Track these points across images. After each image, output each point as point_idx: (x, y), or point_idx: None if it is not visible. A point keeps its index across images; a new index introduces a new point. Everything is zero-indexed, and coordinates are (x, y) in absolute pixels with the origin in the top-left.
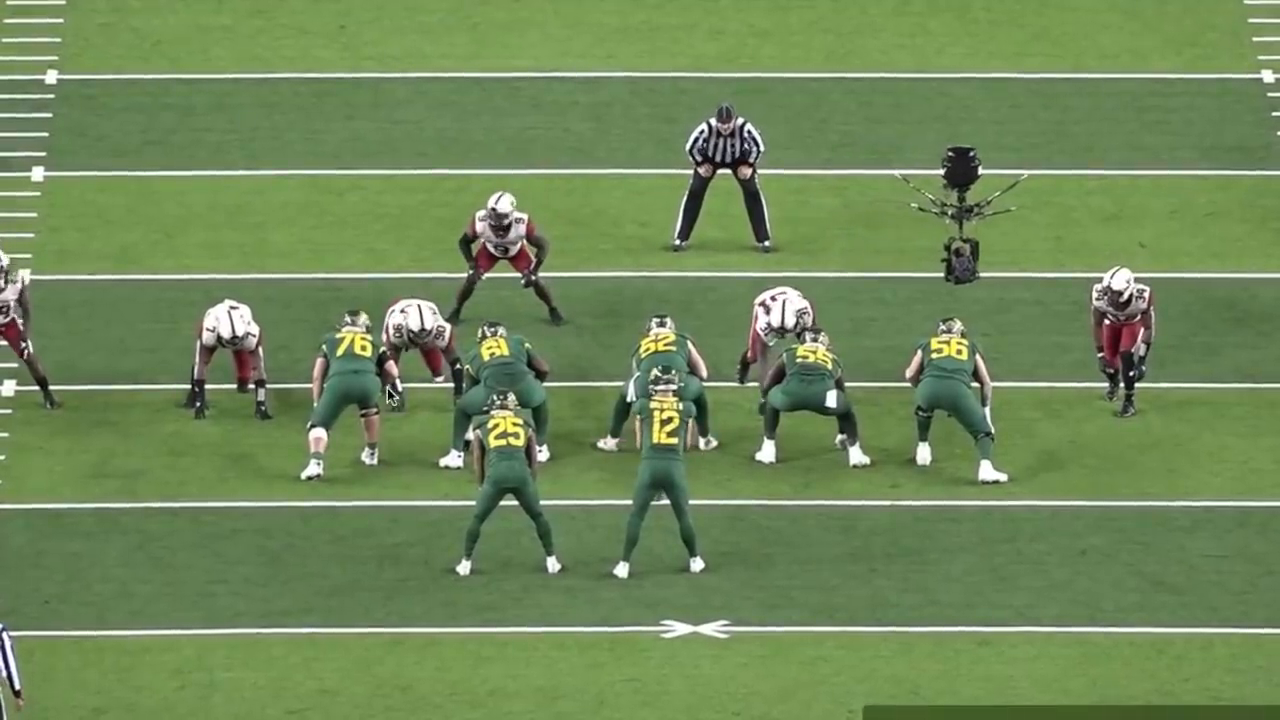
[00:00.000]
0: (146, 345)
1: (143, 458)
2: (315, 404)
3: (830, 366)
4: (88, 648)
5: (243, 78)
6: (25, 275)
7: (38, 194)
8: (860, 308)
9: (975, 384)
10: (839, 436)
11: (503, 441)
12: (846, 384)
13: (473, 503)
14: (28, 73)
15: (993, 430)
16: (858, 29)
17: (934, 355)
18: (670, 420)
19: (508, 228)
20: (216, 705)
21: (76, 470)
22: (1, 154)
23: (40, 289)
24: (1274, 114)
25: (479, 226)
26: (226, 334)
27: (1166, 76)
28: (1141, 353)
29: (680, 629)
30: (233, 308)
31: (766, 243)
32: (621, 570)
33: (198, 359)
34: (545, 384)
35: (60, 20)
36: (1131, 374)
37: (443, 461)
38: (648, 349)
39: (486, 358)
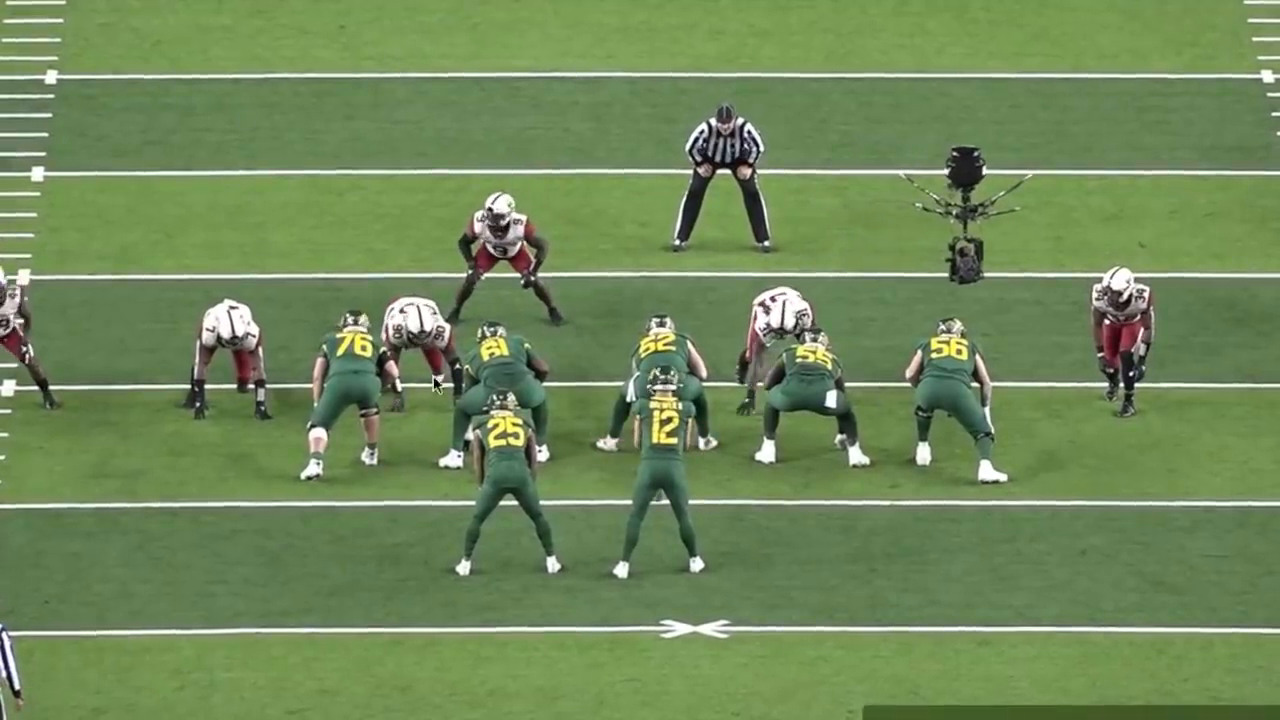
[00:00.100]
0: (146, 345)
1: (143, 458)
2: (315, 404)
3: (830, 366)
4: (87, 648)
5: (243, 78)
6: (23, 276)
7: (37, 194)
8: (860, 308)
9: (975, 384)
10: (839, 436)
11: (502, 441)
12: (846, 384)
13: (472, 503)
14: (28, 73)
15: (993, 430)
16: (857, 29)
17: (934, 355)
18: (670, 420)
19: (506, 228)
20: (216, 705)
21: (76, 470)
22: (1, 154)
23: (40, 289)
24: (1274, 114)
25: (477, 227)
26: (226, 334)
27: (1166, 76)
28: (1141, 353)
29: (680, 629)
30: (232, 308)
31: (766, 243)
32: (621, 570)
33: (197, 359)
34: (545, 384)
35: (60, 20)
36: (1132, 374)
37: (442, 461)
38: (647, 349)
39: (486, 358)
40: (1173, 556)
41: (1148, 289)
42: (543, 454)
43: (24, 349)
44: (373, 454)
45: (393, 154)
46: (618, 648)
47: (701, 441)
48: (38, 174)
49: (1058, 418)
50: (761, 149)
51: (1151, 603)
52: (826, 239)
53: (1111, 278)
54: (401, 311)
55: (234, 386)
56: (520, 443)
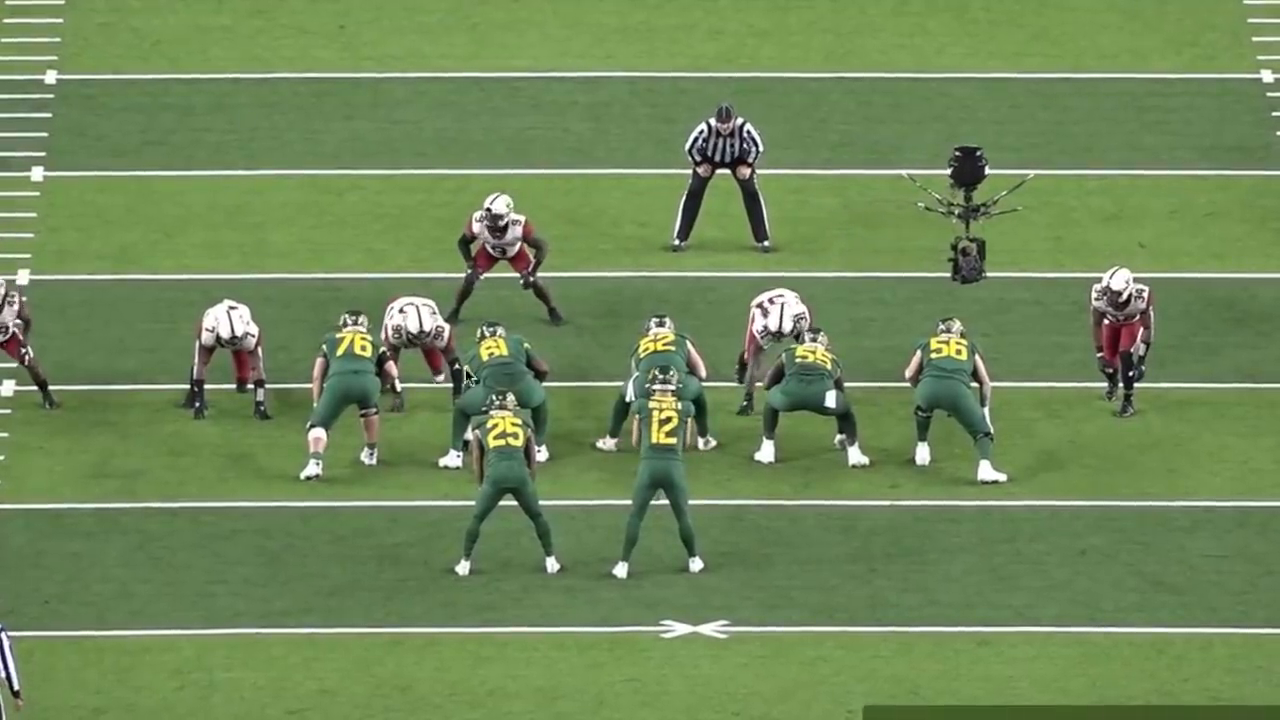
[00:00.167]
0: (146, 345)
1: (142, 458)
2: (315, 404)
3: (829, 367)
4: (87, 648)
5: (242, 78)
6: (23, 276)
7: (37, 194)
8: (859, 308)
9: (974, 384)
10: (838, 437)
11: (502, 442)
12: (846, 384)
13: (472, 503)
14: (27, 73)
15: (992, 430)
16: (857, 29)
17: (933, 355)
18: (669, 420)
19: (504, 229)
20: (216, 705)
21: (76, 470)
22: (1, 154)
23: (39, 289)
24: (1274, 114)
25: (476, 228)
26: (226, 334)
27: (1166, 76)
28: (1141, 353)
29: (680, 629)
30: (232, 308)
31: (766, 243)
32: (621, 570)
33: (197, 359)
34: (544, 384)
35: (60, 20)
36: (1131, 374)
37: (442, 461)
38: (647, 349)
39: (485, 358)
40: (1173, 556)
41: (1147, 289)
42: (542, 454)
43: (23, 351)
44: (372, 454)
45: (392, 154)
46: (617, 648)
47: (701, 441)
48: (37, 174)
49: (1057, 418)
50: (761, 149)
51: (1151, 603)
52: (826, 239)
53: (1111, 278)
54: (401, 312)
55: (234, 386)
56: (520, 443)
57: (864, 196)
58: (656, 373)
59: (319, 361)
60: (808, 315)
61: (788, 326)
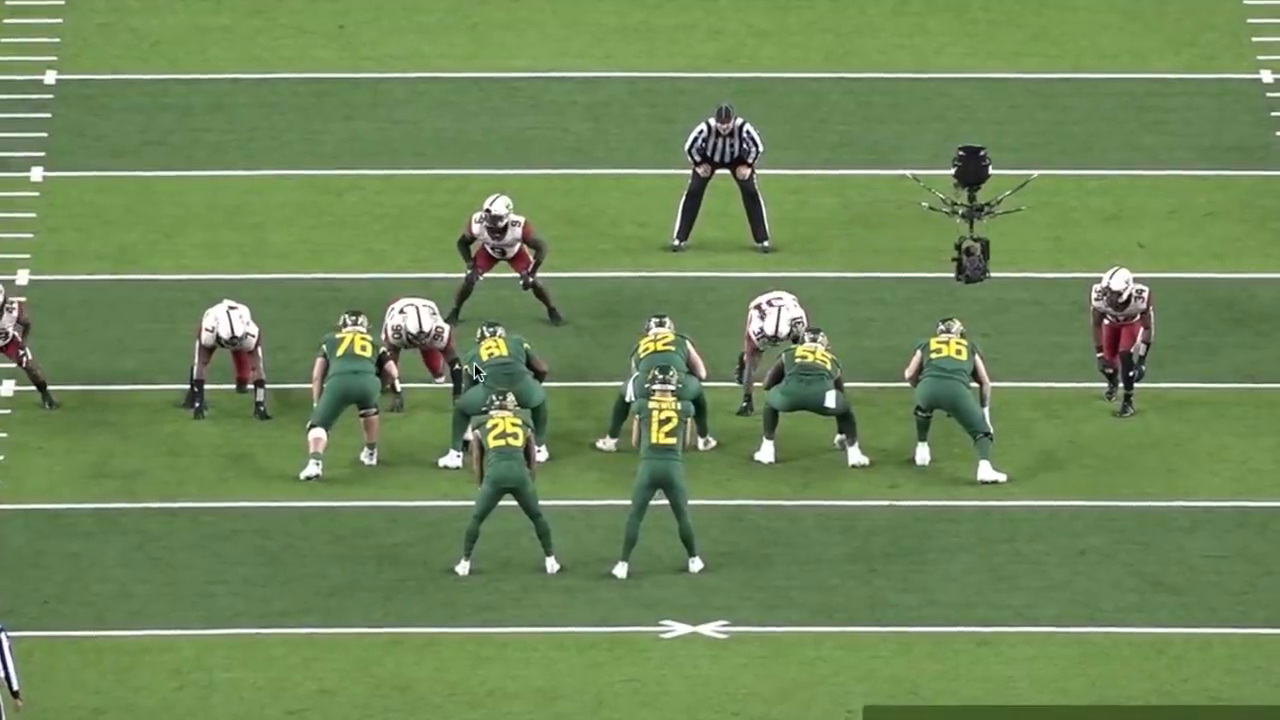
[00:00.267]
0: (145, 345)
1: (142, 458)
2: (315, 404)
3: (829, 367)
4: (87, 648)
5: (241, 78)
6: (22, 276)
7: (36, 194)
8: (859, 308)
9: (974, 384)
10: (838, 437)
11: (501, 442)
12: (845, 384)
13: (472, 503)
14: (27, 73)
15: (992, 430)
16: (857, 29)
17: (933, 355)
18: (669, 420)
19: (504, 230)
20: (216, 706)
21: (76, 470)
22: (1, 154)
23: (39, 289)
24: (1273, 114)
25: (475, 229)
26: (225, 334)
27: (1166, 76)
28: (1141, 353)
29: (679, 629)
30: (231, 308)
31: (765, 243)
32: (620, 570)
33: (197, 359)
34: (544, 384)
35: (59, 20)
36: (1131, 374)
37: (442, 461)
38: (646, 349)
39: (485, 358)
40: (1172, 556)
41: (1147, 289)
42: (542, 454)
43: (21, 353)
44: (372, 454)
45: (391, 154)
46: (617, 648)
47: (701, 441)
48: (37, 174)
49: (1057, 418)
50: (760, 149)
51: (1151, 603)
52: (826, 239)
53: (1111, 278)
54: (401, 312)
55: (233, 386)
56: (519, 443)
57: (864, 196)
58: (656, 373)
59: (319, 362)
60: (805, 319)
61: (784, 330)
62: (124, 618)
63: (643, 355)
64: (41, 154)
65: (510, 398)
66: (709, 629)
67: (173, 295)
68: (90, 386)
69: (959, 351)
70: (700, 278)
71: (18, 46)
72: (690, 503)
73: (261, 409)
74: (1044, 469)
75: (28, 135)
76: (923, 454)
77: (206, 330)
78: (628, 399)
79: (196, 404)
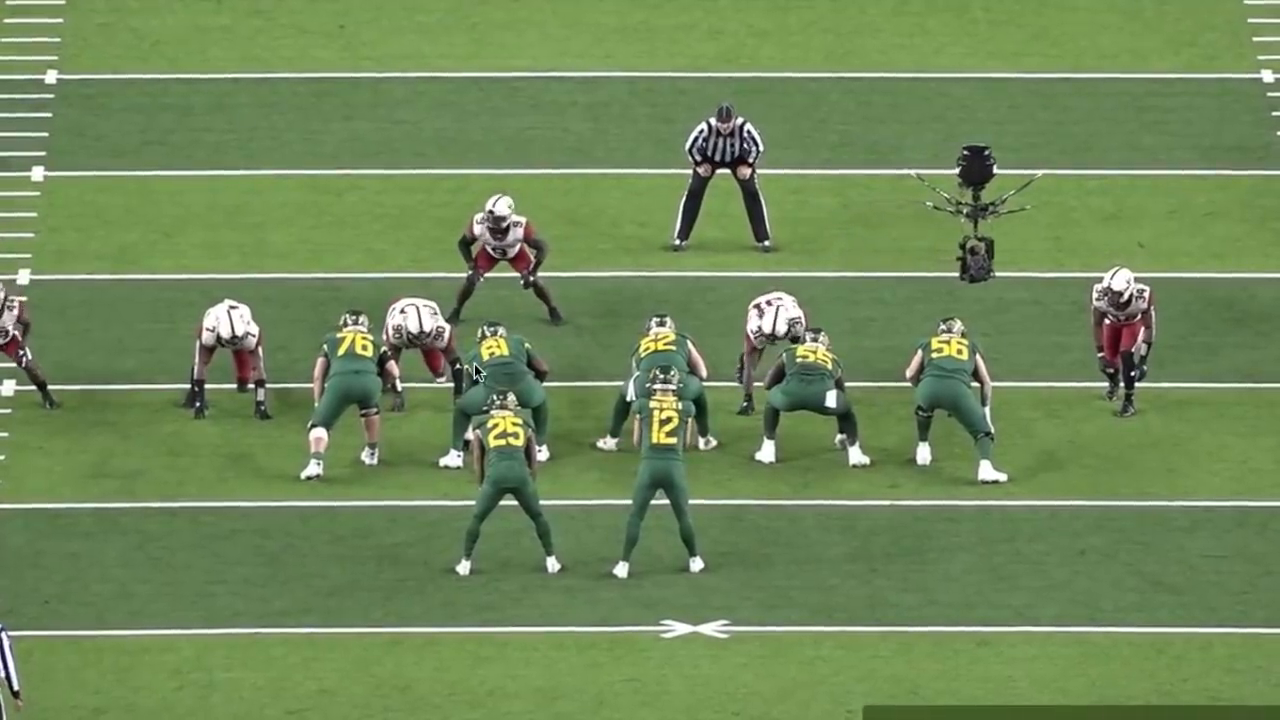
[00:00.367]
0: (145, 345)
1: (142, 458)
2: (316, 404)
3: (830, 366)
4: (87, 648)
5: (241, 78)
6: (23, 275)
7: (37, 194)
8: (860, 308)
9: (975, 384)
10: (838, 436)
11: (502, 441)
12: (846, 384)
13: (472, 503)
14: (27, 73)
15: (992, 430)
16: (857, 29)
17: (934, 355)
18: (669, 420)
19: (506, 230)
20: (215, 705)
21: (76, 470)
22: (1, 154)
23: (39, 289)
24: (1274, 114)
25: (477, 229)
26: (226, 334)
27: (1166, 76)
28: (1143, 353)
29: (680, 629)
30: (232, 307)
31: (766, 242)
32: (621, 570)
33: (197, 359)
34: (545, 384)
35: (60, 20)
36: (1132, 374)
37: (442, 461)
38: (647, 349)
39: (486, 358)
40: (1172, 556)
41: (1148, 289)
42: (542, 454)
43: (21, 353)
44: (373, 454)
45: (392, 154)
46: (617, 648)
47: (701, 441)
48: (37, 174)
49: (1057, 418)
50: (761, 149)
51: (1151, 603)
52: (826, 239)
53: (1112, 278)
54: (402, 312)
55: (234, 386)
56: (520, 443)
57: (864, 196)
58: (657, 372)
59: (320, 361)
60: (804, 319)
61: (781, 329)
62: (124, 618)
63: (643, 355)
64: (42, 154)
65: (511, 397)
66: (709, 629)
67: (173, 295)
68: (90, 386)
69: (960, 351)
70: (700, 278)
71: (18, 46)
72: (691, 502)
73: (262, 409)
74: (1044, 469)
75: (28, 135)
76: (923, 454)
77: (207, 330)
78: (628, 399)
79: (197, 404)
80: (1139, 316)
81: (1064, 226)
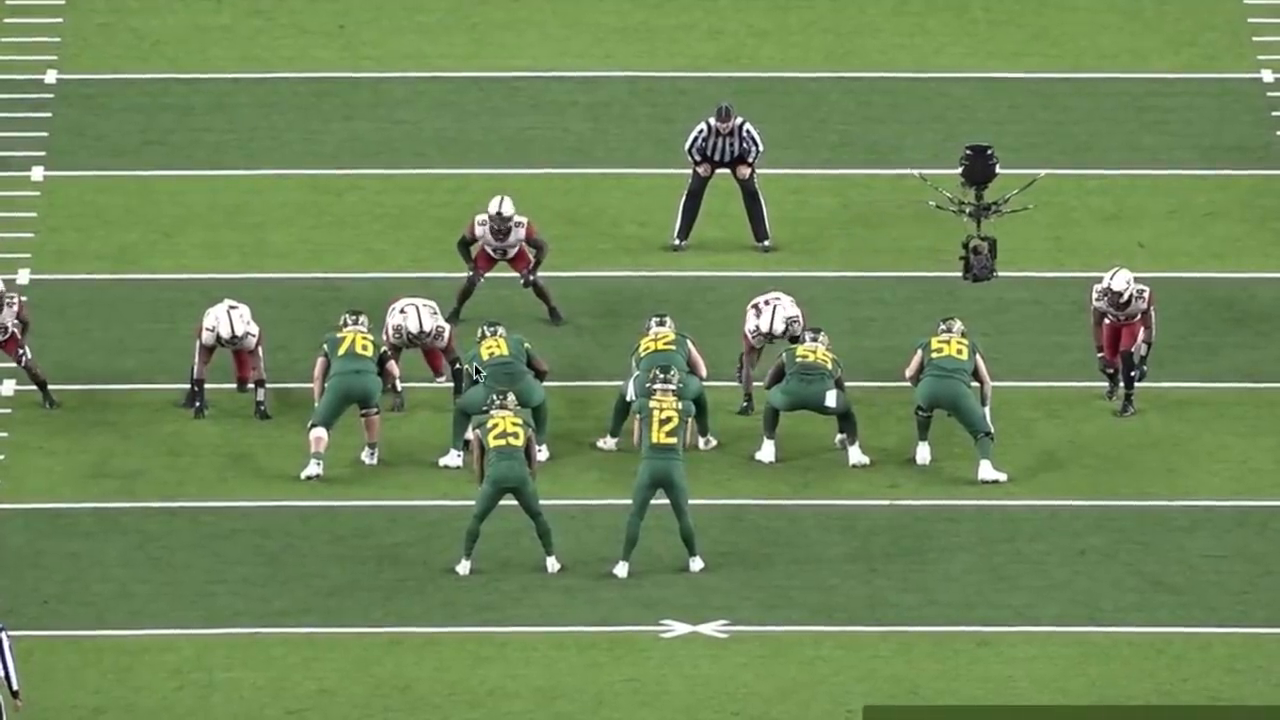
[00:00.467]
0: (145, 345)
1: (142, 458)
2: (316, 404)
3: (830, 366)
4: (87, 648)
5: (241, 78)
6: (23, 275)
7: (37, 194)
8: (860, 308)
9: (975, 384)
10: (838, 436)
11: (502, 441)
12: (846, 384)
13: (472, 502)
14: (27, 72)
15: (992, 430)
16: (857, 29)
17: (934, 355)
18: (669, 420)
19: (508, 231)
20: (215, 705)
21: (76, 470)
22: (1, 154)
23: (39, 289)
24: (1273, 114)
25: (479, 230)
26: (226, 334)
27: (1166, 76)
28: (1143, 353)
29: (679, 629)
30: (232, 307)
31: (766, 242)
32: (621, 570)
33: (197, 359)
34: (545, 384)
35: (59, 20)
36: (1132, 374)
37: (442, 461)
38: (647, 348)
39: (486, 357)
40: (1172, 556)
41: (1148, 289)
42: (542, 454)
43: (20, 352)
44: (373, 454)
45: (392, 154)
46: (617, 647)
47: (701, 441)
48: (37, 174)
49: (1057, 418)
50: (760, 148)
51: (1151, 602)
52: (826, 239)
53: (1112, 278)
54: (401, 312)
55: (234, 386)
56: (520, 442)
57: (864, 196)
58: (657, 372)
59: (320, 361)
60: (801, 319)
61: (779, 328)
62: (124, 618)
63: (643, 355)
64: (42, 154)
65: (511, 397)
66: (709, 629)
67: (173, 295)
68: (90, 386)
69: (960, 351)
70: (700, 277)
71: (18, 46)
72: (690, 502)
73: (262, 409)
74: (1044, 469)
75: (28, 135)
76: (923, 454)
77: (207, 330)
78: (628, 398)
79: (196, 404)
80: (1139, 316)
81: (1064, 226)
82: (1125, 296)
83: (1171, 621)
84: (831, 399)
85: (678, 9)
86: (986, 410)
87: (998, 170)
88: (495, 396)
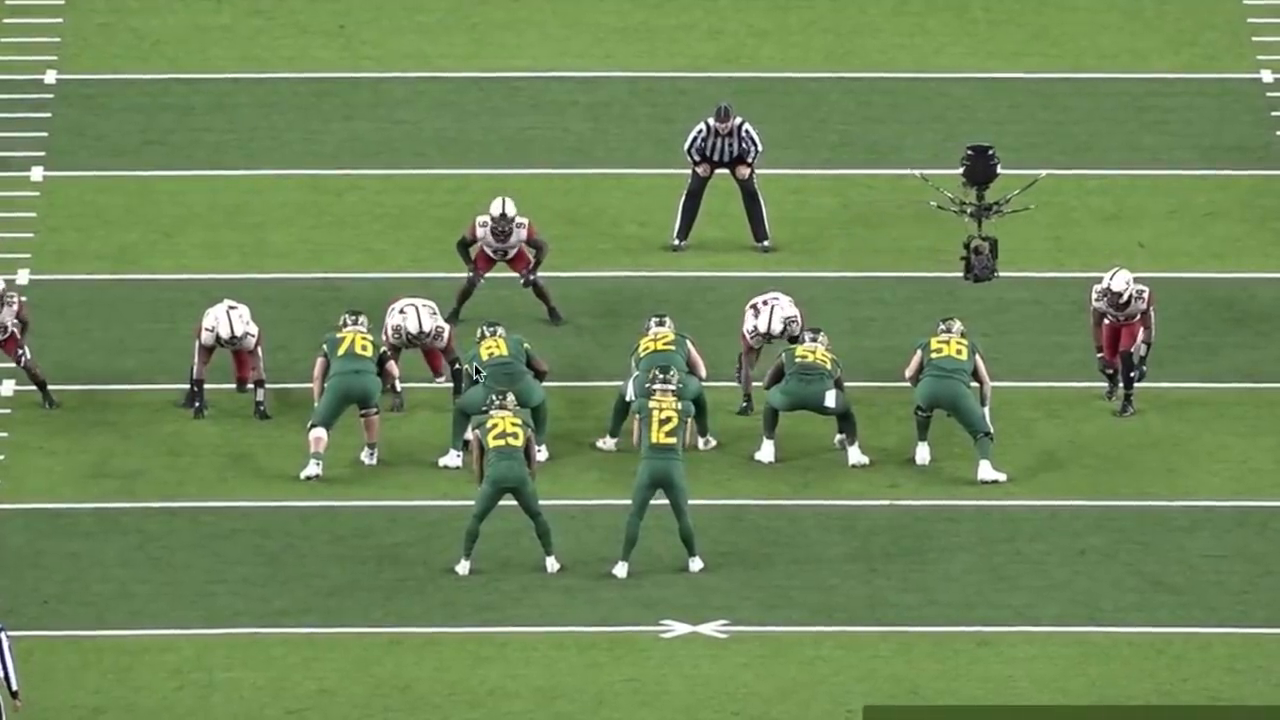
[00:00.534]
0: (145, 345)
1: (142, 458)
2: (315, 404)
3: (829, 366)
4: (87, 648)
5: (242, 77)
6: (22, 275)
7: (37, 194)
8: (859, 308)
9: (975, 384)
10: (838, 436)
11: (501, 441)
12: (845, 384)
13: (471, 502)
14: (27, 73)
15: (992, 430)
16: (857, 29)
17: (934, 355)
18: (669, 420)
19: (510, 233)
20: (215, 705)
21: (76, 470)
22: (1, 154)
23: (39, 289)
24: (1273, 114)
25: (480, 232)
26: (225, 334)
27: (1166, 76)
28: (1143, 353)
29: (679, 629)
30: (231, 308)
31: (765, 242)
32: (620, 570)
33: (197, 359)
34: (544, 384)
35: (59, 20)
36: (1132, 374)
37: (442, 461)
38: (646, 348)
39: (485, 358)
40: (1172, 556)
41: (1147, 289)
42: (542, 454)
43: (20, 352)
44: (372, 454)
45: (392, 154)
46: (617, 647)
47: (701, 441)
48: (37, 174)
49: (1057, 418)
50: (759, 149)
51: (1151, 602)
52: (826, 239)
53: (1111, 279)
54: (401, 312)
55: (233, 386)
56: (519, 442)
57: (864, 196)
58: (657, 372)
59: (319, 361)
60: (800, 319)
61: (777, 328)
62: (124, 618)
63: (643, 355)
64: (41, 154)
65: (510, 397)
66: (709, 629)
67: (173, 295)
68: (90, 386)
69: (959, 351)
70: (700, 278)
71: (18, 46)
72: (690, 502)
73: (261, 409)
74: (1044, 469)
75: (28, 135)
76: (923, 454)
77: (206, 330)
78: (628, 398)
79: (196, 404)
80: (1138, 317)
81: (1064, 226)
82: (1125, 297)
83: (1171, 621)
84: (831, 399)
85: (678, 9)
86: (986, 410)
87: (999, 170)
88: (495, 397)
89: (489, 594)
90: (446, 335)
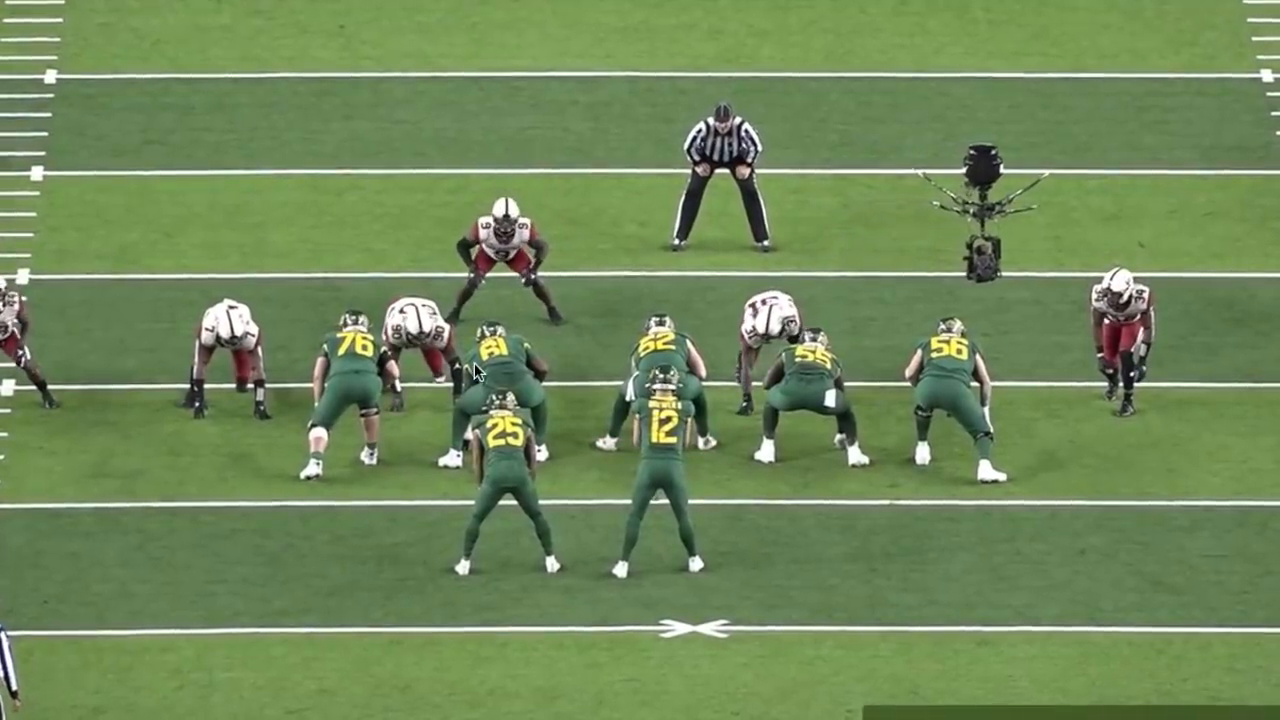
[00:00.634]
0: (145, 345)
1: (142, 457)
2: (315, 404)
3: (829, 366)
4: (86, 648)
5: (242, 77)
6: (23, 275)
7: (37, 193)
8: (859, 307)
9: (975, 384)
10: (838, 436)
11: (501, 441)
12: (846, 383)
13: (471, 502)
14: (27, 72)
15: (992, 430)
16: (857, 29)
17: (934, 355)
18: (669, 420)
19: (512, 234)
20: (215, 705)
21: (76, 470)
22: (1, 154)
23: (39, 289)
24: (1273, 114)
25: (482, 233)
26: (225, 334)
27: (1166, 76)
28: (1142, 353)
29: (679, 629)
30: (231, 307)
31: (765, 242)
32: (620, 570)
33: (197, 359)
34: (544, 384)
35: (59, 20)
36: (1132, 374)
37: (442, 461)
38: (647, 348)
39: (485, 357)
40: (1172, 556)
41: (1147, 289)
42: (542, 454)
43: (20, 352)
44: (372, 454)
45: (392, 154)
46: (617, 647)
47: (701, 441)
48: (37, 173)
49: (1057, 417)
50: (759, 148)
51: (1151, 602)
52: (826, 239)
53: (1111, 279)
54: (401, 312)
55: (233, 386)
56: (519, 442)
57: (864, 196)
58: (657, 372)
59: (320, 361)
60: (798, 319)
61: (775, 328)
62: (124, 617)
63: (643, 354)
64: (41, 153)
65: (510, 397)
66: (709, 628)
67: (173, 295)
68: (90, 386)
69: (959, 351)
70: (700, 277)
71: (18, 46)
72: (690, 502)
73: (261, 409)
74: (1044, 469)
75: (28, 135)
76: (923, 453)
77: (206, 330)
78: (628, 398)
79: (196, 404)
80: (1138, 317)
81: (1064, 226)
82: (1125, 297)
83: (1171, 621)
84: (831, 399)
85: (678, 9)
86: (986, 410)
87: (1002, 171)
88: (495, 396)
89: (489, 594)
90: (446, 335)
